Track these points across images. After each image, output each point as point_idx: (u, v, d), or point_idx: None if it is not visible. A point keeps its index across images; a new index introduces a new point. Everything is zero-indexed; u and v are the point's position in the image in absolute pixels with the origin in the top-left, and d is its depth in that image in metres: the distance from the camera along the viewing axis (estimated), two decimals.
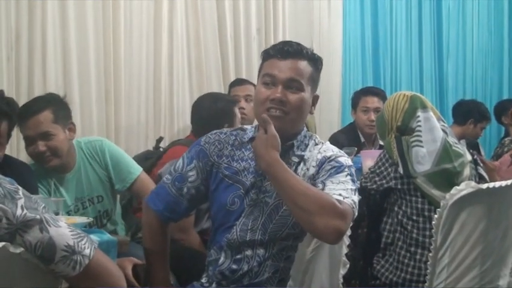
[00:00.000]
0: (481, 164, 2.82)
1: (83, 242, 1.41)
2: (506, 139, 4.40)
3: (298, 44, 1.94)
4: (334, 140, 3.85)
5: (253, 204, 1.93)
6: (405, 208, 2.67)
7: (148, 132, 3.78)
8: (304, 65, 1.91)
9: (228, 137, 2.01)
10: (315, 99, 1.99)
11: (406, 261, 2.65)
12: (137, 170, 2.71)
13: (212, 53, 4.09)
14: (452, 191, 2.29)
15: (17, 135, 2.99)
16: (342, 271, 2.35)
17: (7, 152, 2.22)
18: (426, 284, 2.43)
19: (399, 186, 2.66)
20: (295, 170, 1.92)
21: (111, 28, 3.55)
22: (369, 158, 3.15)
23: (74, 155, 2.62)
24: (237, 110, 3.11)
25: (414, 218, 2.64)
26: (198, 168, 1.98)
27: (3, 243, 1.32)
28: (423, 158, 2.61)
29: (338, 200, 1.76)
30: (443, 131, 2.68)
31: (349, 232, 2.18)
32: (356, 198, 1.84)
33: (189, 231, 2.70)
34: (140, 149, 3.56)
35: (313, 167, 1.92)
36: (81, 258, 1.40)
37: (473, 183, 2.32)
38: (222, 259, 1.94)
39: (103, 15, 3.52)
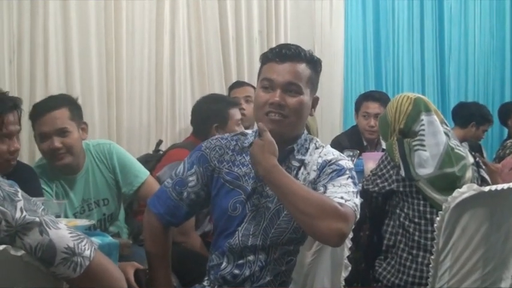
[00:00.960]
0: (483, 167, 2.81)
1: (83, 244, 1.41)
2: (508, 141, 4.40)
3: (297, 47, 1.93)
4: (337, 142, 3.85)
5: (255, 209, 1.93)
6: (407, 210, 2.66)
7: (150, 134, 3.78)
8: (302, 68, 1.91)
9: (229, 142, 2.01)
10: (315, 101, 1.99)
11: (408, 263, 2.64)
12: (144, 174, 2.71)
13: (214, 55, 4.09)
14: (455, 193, 2.29)
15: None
16: (344, 274, 2.34)
17: None
18: (428, 287, 2.43)
19: (401, 189, 2.66)
20: (296, 175, 1.92)
21: (113, 30, 3.55)
22: (371, 161, 3.15)
23: (83, 156, 2.63)
24: (234, 112, 3.12)
25: (416, 220, 2.64)
26: (199, 174, 1.98)
27: (3, 245, 1.32)
28: (426, 161, 2.61)
29: (340, 203, 1.75)
30: (446, 134, 2.68)
31: (351, 235, 2.18)
32: (358, 200, 1.84)
33: (190, 233, 2.70)
34: (142, 151, 3.56)
35: (314, 171, 1.92)
36: (82, 260, 1.39)
37: (475, 186, 2.32)
38: (224, 264, 1.94)
39: (105, 18, 3.53)
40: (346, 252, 2.33)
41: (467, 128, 4.48)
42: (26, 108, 3.16)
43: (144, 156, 3.24)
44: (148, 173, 2.74)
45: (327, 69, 4.62)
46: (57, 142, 2.47)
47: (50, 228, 1.37)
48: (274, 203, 1.91)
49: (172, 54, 3.85)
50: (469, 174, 2.65)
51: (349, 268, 2.35)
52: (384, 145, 3.70)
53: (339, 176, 1.87)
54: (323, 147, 1.99)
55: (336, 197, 1.78)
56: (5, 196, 1.34)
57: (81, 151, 2.59)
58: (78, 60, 3.41)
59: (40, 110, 2.49)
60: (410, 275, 2.63)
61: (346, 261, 2.34)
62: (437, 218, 2.33)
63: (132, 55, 3.67)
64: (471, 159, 2.72)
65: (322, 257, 2.21)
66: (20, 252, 1.35)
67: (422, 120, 2.67)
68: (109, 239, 2.19)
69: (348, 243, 2.32)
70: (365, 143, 3.98)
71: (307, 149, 1.97)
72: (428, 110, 2.70)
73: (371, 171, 2.81)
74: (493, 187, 2.33)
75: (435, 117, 2.69)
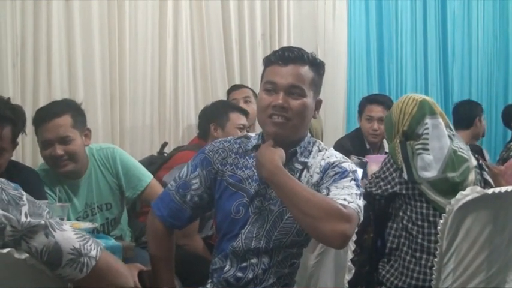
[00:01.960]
0: (486, 169, 2.80)
1: (89, 244, 1.43)
2: (511, 143, 4.38)
3: (299, 49, 1.93)
4: (340, 145, 3.85)
5: (258, 212, 1.93)
6: (410, 213, 2.66)
7: (153, 136, 3.79)
8: (305, 71, 1.90)
9: (232, 145, 2.01)
10: (318, 103, 1.99)
11: (411, 266, 2.64)
12: (148, 177, 2.71)
13: (217, 58, 4.10)
14: (458, 196, 2.29)
15: (22, 142, 3.00)
16: (347, 276, 2.34)
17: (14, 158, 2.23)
18: None
19: (404, 192, 2.65)
20: (299, 177, 1.91)
21: (116, 33, 3.56)
22: (374, 163, 3.14)
23: (86, 161, 2.63)
24: (234, 116, 3.14)
25: (419, 223, 2.63)
26: (202, 177, 1.98)
27: (8, 249, 1.33)
28: (429, 165, 2.60)
29: (343, 205, 1.75)
30: (449, 137, 2.67)
31: (354, 237, 2.18)
32: (361, 202, 1.84)
33: (193, 236, 2.71)
34: (145, 153, 3.56)
35: (317, 173, 1.92)
36: (88, 260, 1.41)
37: (478, 189, 2.31)
38: (227, 267, 1.94)
39: (108, 21, 3.53)
40: (350, 255, 2.33)
41: (472, 126, 4.37)
42: (29, 112, 3.20)
43: (148, 158, 3.25)
44: (151, 176, 2.74)
45: (330, 72, 4.62)
46: (59, 150, 2.48)
47: (55, 230, 1.38)
48: (277, 205, 1.91)
49: (175, 58, 3.86)
50: (471, 177, 2.65)
51: (353, 271, 2.35)
52: (386, 148, 3.70)
53: (341, 178, 1.86)
54: (326, 149, 1.99)
55: (339, 199, 1.78)
56: (10, 200, 1.35)
57: (84, 157, 2.59)
58: (81, 63, 3.42)
59: (43, 117, 2.50)
60: (414, 277, 2.62)
61: (349, 263, 2.34)
62: (441, 221, 2.33)
63: (135, 58, 3.67)
64: (474, 162, 2.71)
65: (325, 259, 2.21)
66: (24, 256, 1.35)
67: (426, 123, 2.66)
68: (112, 241, 2.20)
69: (352, 245, 2.32)
70: (368, 146, 3.97)
71: (310, 152, 1.97)
72: (433, 113, 2.69)
73: (374, 174, 2.80)
74: (497, 189, 2.33)
75: (440, 120, 2.68)
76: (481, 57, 5.76)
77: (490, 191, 2.33)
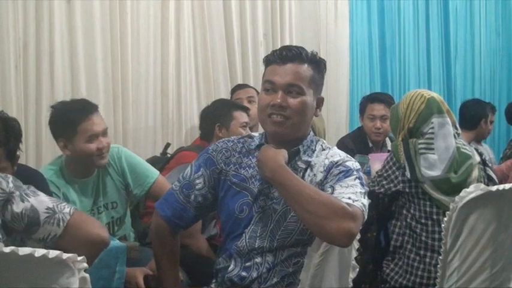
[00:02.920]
0: (489, 165, 2.79)
1: (62, 205, 1.68)
2: None
3: (298, 48, 1.93)
4: (342, 144, 3.84)
5: (262, 211, 1.93)
6: (413, 211, 2.65)
7: (156, 137, 3.79)
8: (304, 69, 1.90)
9: (236, 145, 2.02)
10: (320, 101, 1.98)
11: (415, 264, 2.64)
12: (154, 174, 2.72)
13: (219, 58, 4.10)
14: (462, 193, 2.27)
15: (25, 144, 3.00)
16: (352, 275, 2.33)
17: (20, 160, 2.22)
18: (436, 287, 2.42)
19: (407, 190, 2.65)
20: (302, 176, 1.92)
21: (118, 34, 3.56)
22: (377, 162, 3.14)
23: None
24: (238, 115, 3.14)
25: (423, 221, 2.63)
26: (205, 176, 1.98)
27: (12, 247, 1.34)
28: (434, 164, 2.59)
29: (347, 203, 1.75)
30: (454, 136, 2.66)
31: (358, 236, 2.17)
32: (366, 201, 1.84)
33: (197, 236, 2.71)
34: (148, 154, 3.56)
35: (321, 172, 1.92)
36: (63, 216, 1.65)
37: (482, 186, 2.30)
38: (231, 266, 1.95)
39: (110, 22, 3.53)
40: (354, 254, 2.32)
41: (477, 128, 4.34)
42: (32, 113, 3.21)
43: (151, 159, 3.26)
44: (158, 172, 2.75)
45: (332, 71, 4.65)
46: (105, 141, 2.55)
47: (29, 197, 1.65)
48: (281, 204, 1.91)
49: (177, 58, 3.86)
50: (475, 173, 2.64)
51: (357, 269, 2.34)
52: (389, 146, 3.69)
53: (346, 177, 1.87)
54: (329, 148, 1.99)
55: (343, 197, 1.78)
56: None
57: None
58: (83, 64, 3.42)
59: (90, 110, 2.53)
60: (418, 275, 2.62)
61: (353, 262, 2.33)
62: (445, 218, 2.32)
63: (137, 59, 3.68)
64: (477, 158, 2.70)
65: (329, 258, 2.20)
66: (29, 251, 1.36)
67: (432, 122, 2.64)
68: (116, 242, 2.20)
69: (356, 244, 2.32)
70: (370, 145, 3.97)
71: (313, 151, 1.97)
72: (441, 112, 2.66)
73: (376, 172, 2.80)
74: (501, 186, 2.31)
75: (447, 119, 2.66)
76: (484, 55, 5.76)
77: (493, 188, 2.32)
